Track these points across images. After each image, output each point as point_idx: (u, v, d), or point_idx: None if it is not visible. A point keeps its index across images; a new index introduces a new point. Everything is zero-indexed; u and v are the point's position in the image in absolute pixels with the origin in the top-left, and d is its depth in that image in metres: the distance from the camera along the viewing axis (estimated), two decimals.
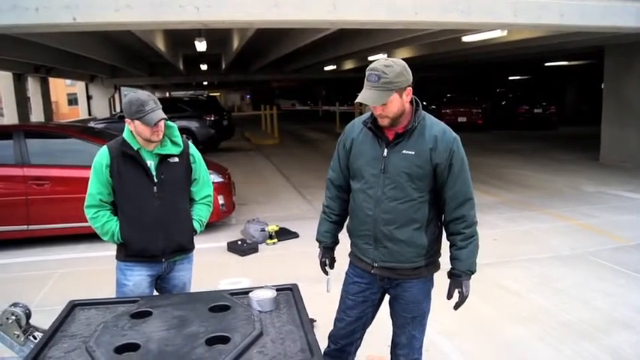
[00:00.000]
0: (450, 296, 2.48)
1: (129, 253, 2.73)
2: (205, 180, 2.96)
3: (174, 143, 2.78)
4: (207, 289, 2.51)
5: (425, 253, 2.40)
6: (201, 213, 2.93)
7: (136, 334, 1.88)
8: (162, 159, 2.72)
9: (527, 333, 3.87)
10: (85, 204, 2.71)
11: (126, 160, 2.67)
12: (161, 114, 2.61)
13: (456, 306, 2.50)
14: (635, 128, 11.42)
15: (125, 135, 2.71)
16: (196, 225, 2.89)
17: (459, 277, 2.43)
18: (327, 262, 2.70)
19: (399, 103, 2.26)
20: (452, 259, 2.45)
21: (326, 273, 2.72)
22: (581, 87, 24.09)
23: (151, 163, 2.70)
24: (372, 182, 2.37)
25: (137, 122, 2.60)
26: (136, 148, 2.67)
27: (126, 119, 2.66)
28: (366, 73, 2.25)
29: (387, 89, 2.20)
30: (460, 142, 2.37)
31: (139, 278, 2.74)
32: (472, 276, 2.46)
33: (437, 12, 5.74)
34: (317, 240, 2.72)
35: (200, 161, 2.92)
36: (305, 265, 4.94)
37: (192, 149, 2.89)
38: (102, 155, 2.69)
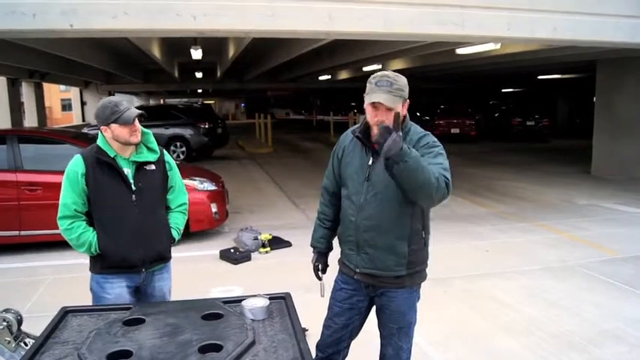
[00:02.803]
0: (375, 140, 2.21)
1: (107, 264, 2.63)
2: (181, 187, 2.91)
3: (150, 150, 2.73)
4: (200, 297, 2.51)
5: (406, 262, 2.41)
6: (177, 221, 2.87)
7: (129, 341, 1.88)
8: (139, 167, 2.66)
9: (517, 344, 3.88)
10: (59, 215, 2.61)
11: (102, 168, 2.58)
12: (136, 111, 2.58)
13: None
14: (626, 141, 11.54)
15: (99, 143, 2.63)
16: (175, 233, 2.83)
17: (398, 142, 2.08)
18: (320, 268, 2.73)
19: (402, 112, 2.32)
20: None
21: (319, 278, 2.74)
22: (573, 100, 24.31)
23: (128, 171, 2.63)
24: (357, 189, 2.43)
25: (114, 125, 2.54)
26: (112, 156, 2.60)
27: (100, 127, 2.59)
28: (374, 79, 2.29)
29: (398, 95, 2.28)
30: (439, 145, 2.37)
31: (119, 290, 2.65)
32: (396, 155, 2.04)
33: (432, 24, 5.78)
34: (311, 246, 2.75)
35: (175, 169, 2.87)
36: (298, 273, 4.94)
37: (167, 157, 2.85)
38: (76, 164, 2.59)
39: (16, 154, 6.21)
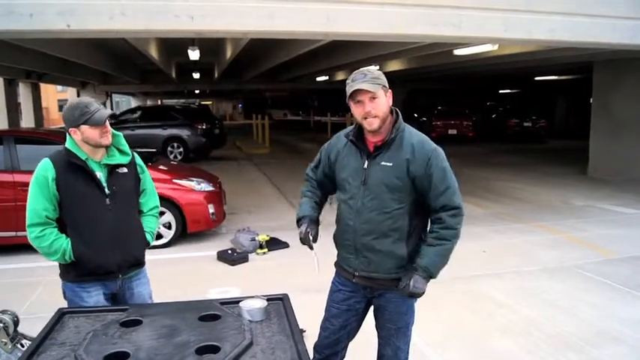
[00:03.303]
0: (400, 285, 2.38)
1: (82, 272, 2.53)
2: (152, 190, 2.86)
3: (122, 152, 2.65)
4: (197, 298, 2.51)
5: (405, 264, 2.41)
6: (150, 225, 2.81)
7: (126, 342, 1.87)
8: (112, 170, 2.58)
9: (515, 345, 3.89)
10: (28, 222, 2.49)
11: (74, 171, 2.48)
12: (108, 111, 2.50)
13: (399, 291, 2.40)
14: (623, 142, 11.57)
15: (69, 145, 2.52)
16: (149, 237, 2.76)
17: (414, 271, 2.35)
18: (312, 235, 2.52)
19: (385, 102, 2.36)
20: (419, 253, 2.39)
21: (311, 247, 2.52)
22: (570, 101, 24.38)
23: (101, 175, 2.55)
24: (354, 193, 2.42)
25: (84, 127, 2.45)
26: (83, 159, 2.51)
27: (69, 129, 2.49)
28: (350, 77, 2.36)
29: (375, 82, 2.31)
30: (441, 153, 2.38)
31: (96, 298, 2.56)
32: (430, 279, 2.36)
33: (429, 25, 5.79)
34: (300, 217, 2.59)
35: (147, 171, 2.81)
36: (295, 275, 4.94)
37: (139, 159, 2.78)
38: (45, 168, 2.47)
39: (12, 155, 6.19)
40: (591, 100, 12.89)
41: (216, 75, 23.30)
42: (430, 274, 2.35)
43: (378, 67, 15.49)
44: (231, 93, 44.01)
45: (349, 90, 2.32)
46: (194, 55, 13.82)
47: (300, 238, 2.54)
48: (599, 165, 12.12)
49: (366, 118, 2.34)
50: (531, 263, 5.80)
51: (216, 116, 21.65)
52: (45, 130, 9.14)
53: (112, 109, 30.70)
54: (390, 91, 2.39)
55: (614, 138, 11.75)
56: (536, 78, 21.62)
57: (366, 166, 2.39)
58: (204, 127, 15.62)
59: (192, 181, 6.81)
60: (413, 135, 2.40)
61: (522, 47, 10.38)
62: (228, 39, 13.03)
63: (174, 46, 15.01)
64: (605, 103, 12.08)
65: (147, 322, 2.04)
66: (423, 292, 2.37)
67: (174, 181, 6.63)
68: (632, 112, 11.41)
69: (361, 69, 2.37)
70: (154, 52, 13.36)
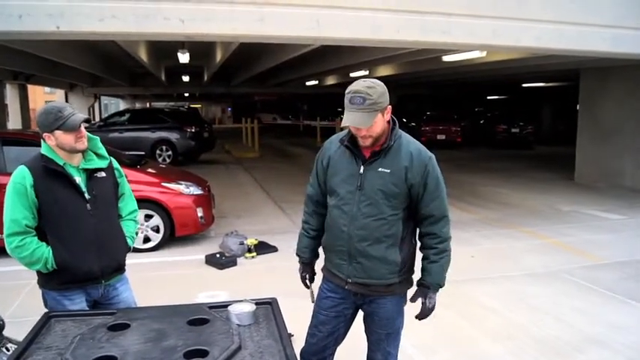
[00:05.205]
0: (413, 300, 2.53)
1: (65, 279, 2.48)
2: (131, 194, 2.84)
3: (99, 156, 2.63)
4: (185, 302, 2.50)
5: (398, 270, 2.42)
6: (130, 229, 2.79)
7: (113, 346, 1.86)
8: (91, 174, 2.55)
9: (502, 349, 3.91)
10: (7, 232, 2.42)
11: (52, 177, 2.44)
12: (82, 116, 2.47)
13: (419, 316, 2.52)
14: (609, 149, 11.70)
15: (44, 151, 2.47)
16: (130, 242, 2.74)
17: (427, 289, 2.47)
18: (307, 277, 2.74)
19: (382, 122, 2.30)
20: (423, 270, 2.48)
21: (307, 287, 2.76)
22: (557, 108, 24.59)
23: (80, 180, 2.51)
24: (348, 199, 2.39)
25: (58, 132, 2.41)
26: (61, 164, 2.46)
27: (44, 135, 2.45)
28: (348, 95, 2.25)
29: (372, 110, 2.22)
30: (435, 161, 2.41)
31: (80, 306, 2.53)
32: (440, 290, 2.50)
33: (418, 31, 5.83)
34: (296, 255, 2.74)
35: (124, 175, 2.80)
36: (284, 279, 4.93)
37: (116, 163, 2.76)
38: (22, 176, 2.42)
39: None
40: (578, 106, 13.02)
41: (205, 78, 23.25)
42: (441, 287, 2.49)
43: (367, 73, 15.57)
44: (220, 96, 43.94)
45: (345, 114, 2.26)
46: (184, 58, 13.79)
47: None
48: (585, 171, 12.25)
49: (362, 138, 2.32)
50: (518, 268, 5.85)
51: (206, 120, 21.57)
52: (33, 132, 9.06)
53: (100, 111, 30.55)
54: (388, 107, 2.31)
55: (600, 144, 11.88)
56: (524, 85, 21.82)
57: (362, 171, 2.36)
58: (193, 130, 15.60)
59: (181, 184, 6.78)
60: (410, 142, 2.39)
61: (510, 54, 10.48)
62: (218, 43, 13.02)
63: (163, 49, 14.96)
64: (591, 110, 12.22)
65: (135, 326, 2.04)
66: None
67: (162, 184, 6.61)
68: (617, 119, 11.55)
69: (361, 88, 2.23)
70: (143, 54, 13.31)
